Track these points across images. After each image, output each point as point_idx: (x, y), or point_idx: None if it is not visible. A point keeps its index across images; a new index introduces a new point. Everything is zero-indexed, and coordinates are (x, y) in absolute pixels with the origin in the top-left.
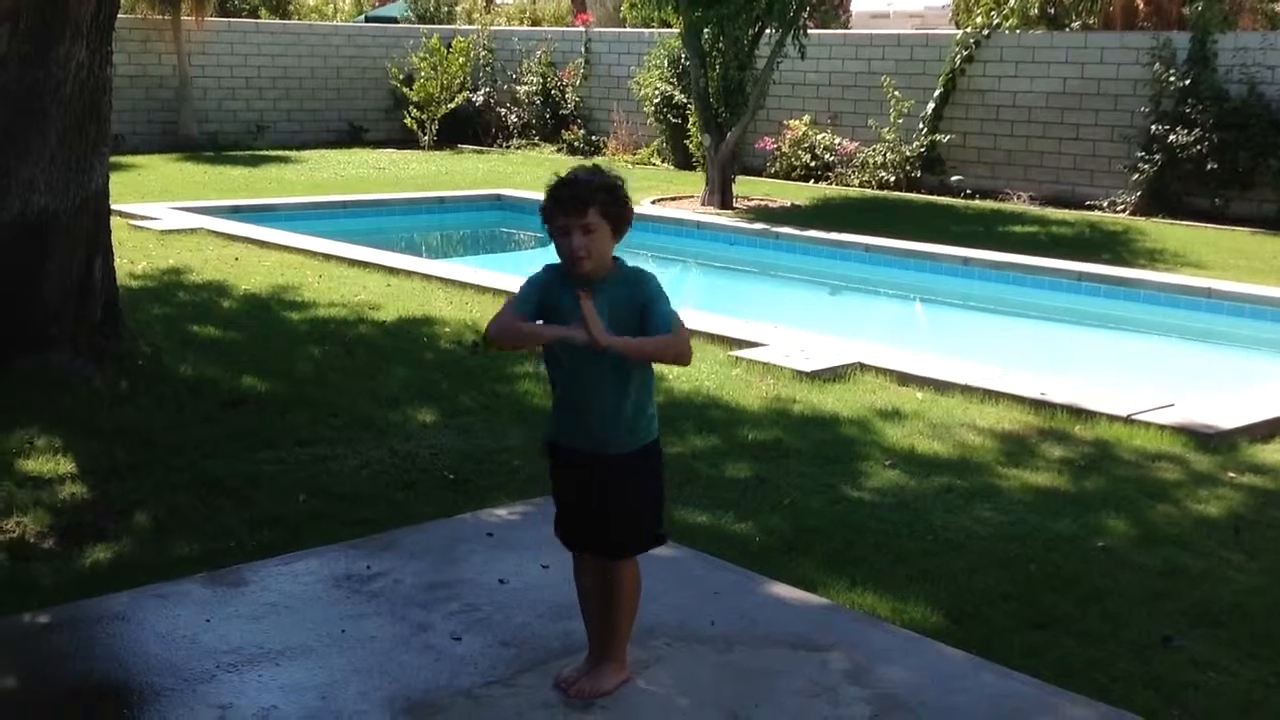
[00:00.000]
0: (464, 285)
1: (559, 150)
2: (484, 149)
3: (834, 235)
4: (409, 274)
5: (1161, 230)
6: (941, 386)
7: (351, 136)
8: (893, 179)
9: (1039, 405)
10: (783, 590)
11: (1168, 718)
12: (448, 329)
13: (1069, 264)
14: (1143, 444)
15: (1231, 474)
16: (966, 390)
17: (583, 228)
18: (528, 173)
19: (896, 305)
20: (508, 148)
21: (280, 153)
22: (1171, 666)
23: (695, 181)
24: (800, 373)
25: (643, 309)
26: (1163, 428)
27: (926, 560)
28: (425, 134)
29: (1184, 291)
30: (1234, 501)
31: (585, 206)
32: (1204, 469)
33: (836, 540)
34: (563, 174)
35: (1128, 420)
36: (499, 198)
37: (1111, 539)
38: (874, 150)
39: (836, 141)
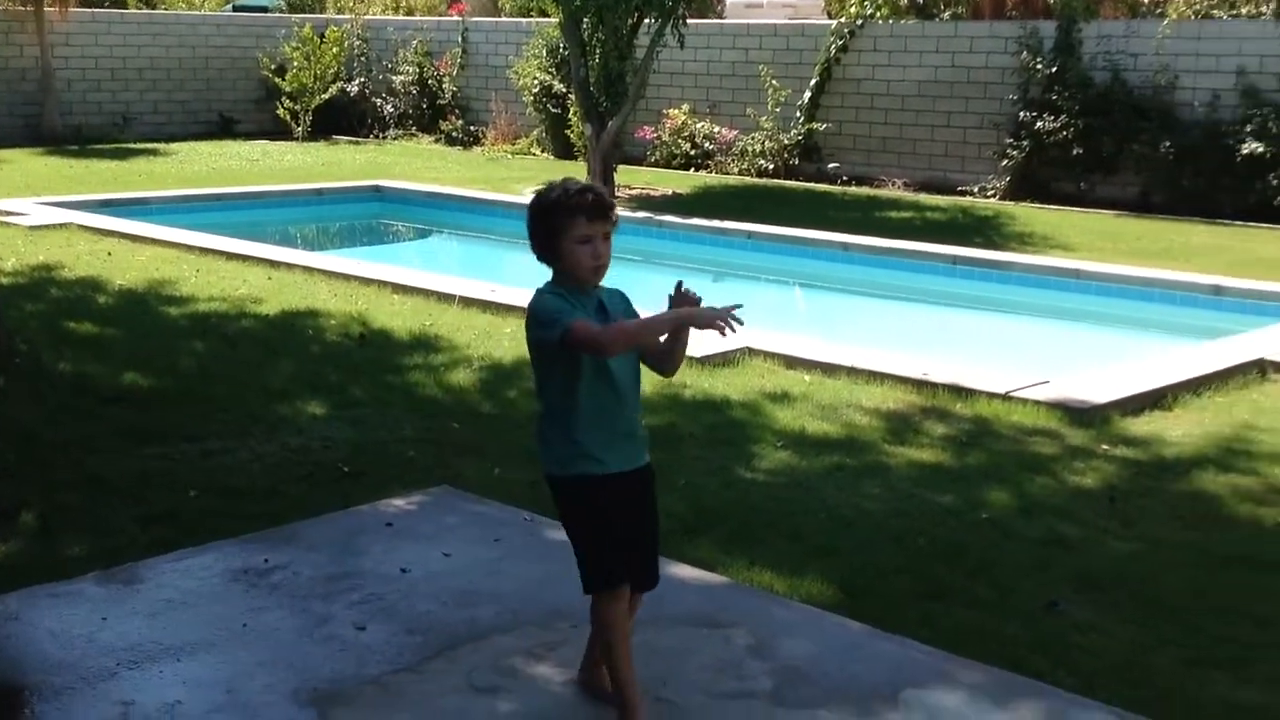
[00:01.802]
0: (348, 277)
1: (437, 141)
2: (360, 140)
3: (716, 223)
4: (290, 267)
5: (1030, 214)
6: (828, 369)
7: (222, 128)
8: (771, 167)
9: (921, 385)
10: (684, 571)
11: (1055, 679)
12: (333, 321)
13: (944, 248)
14: (1020, 420)
15: (1105, 446)
16: (852, 372)
17: (605, 235)
18: (406, 163)
19: (780, 290)
20: (384, 138)
21: (149, 145)
22: (1057, 630)
23: (577, 171)
24: (689, 358)
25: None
26: (1039, 403)
27: (820, 537)
28: (299, 125)
29: (1053, 273)
30: (1108, 472)
31: (611, 213)
32: (1079, 442)
33: (733, 521)
34: (563, 183)
35: (1006, 397)
36: (378, 189)
37: (995, 511)
38: (752, 138)
39: (715, 130)
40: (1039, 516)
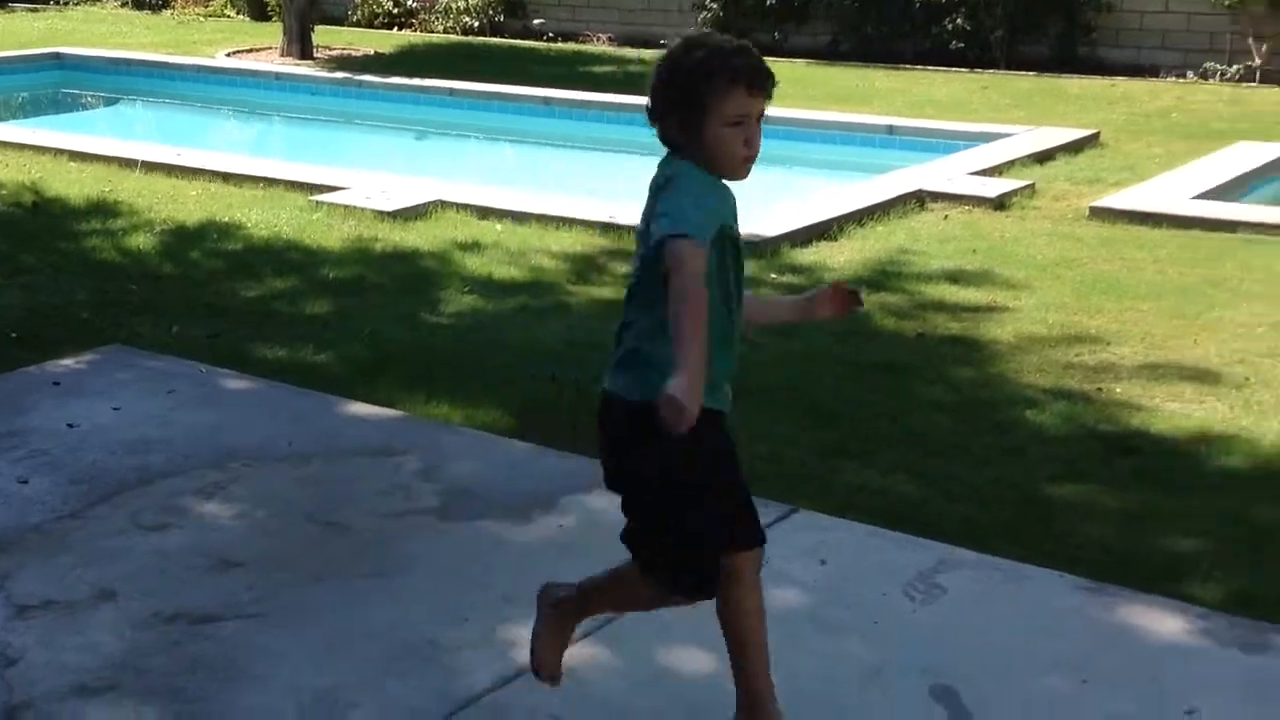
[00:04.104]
0: (20, 147)
1: (123, 5)
2: (39, 6)
3: (417, 81)
4: None
5: None
6: (519, 217)
7: None
8: (476, 24)
9: (608, 228)
10: (360, 409)
11: None
12: (4, 191)
13: (642, 99)
14: None
15: (773, 275)
16: (543, 219)
17: (759, 116)
18: (90, 29)
19: (480, 146)
20: (65, 4)
21: None
22: None
23: (273, 33)
24: (382, 213)
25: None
26: None
27: (499, 372)
28: None
29: None
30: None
31: (773, 83)
32: (750, 272)
33: (415, 362)
34: (707, 37)
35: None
36: (58, 56)
37: None
38: None
39: None
40: None
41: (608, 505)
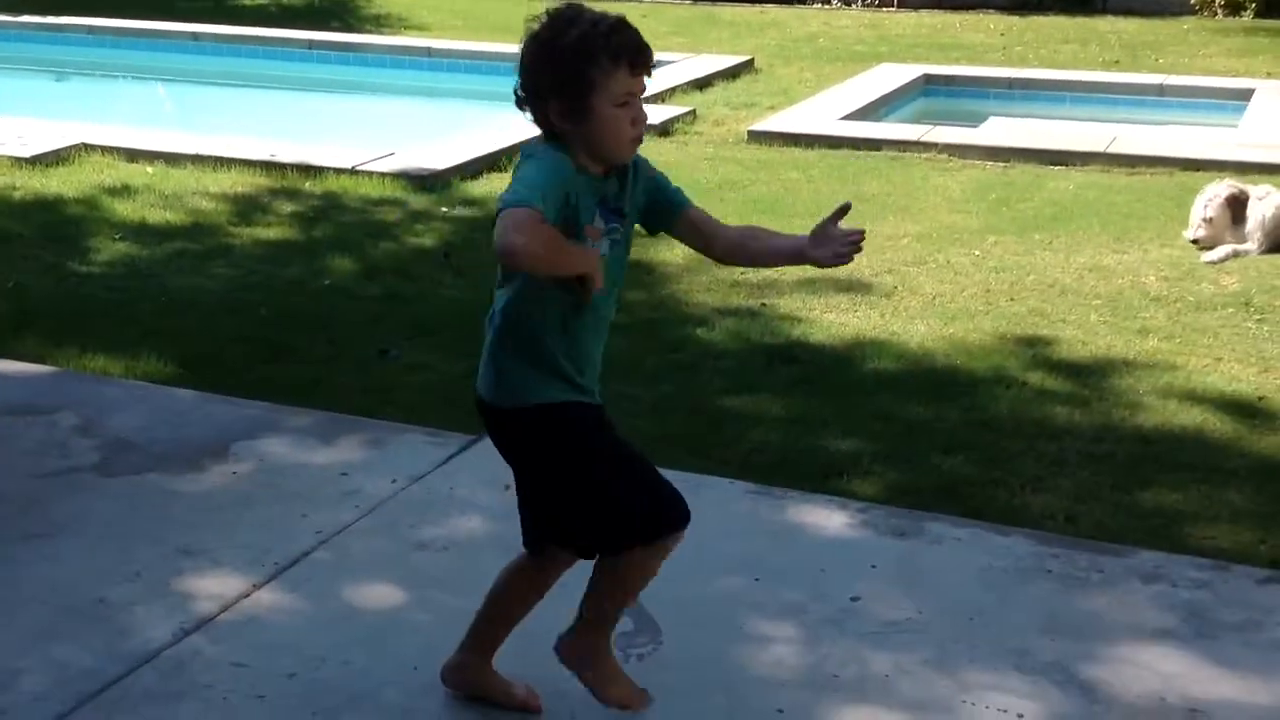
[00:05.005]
0: None
1: None
2: None
3: (52, 19)
4: None
5: None
6: (172, 159)
7: None
8: None
9: (270, 167)
10: (5, 366)
11: (382, 413)
12: None
13: (300, 33)
14: (367, 192)
15: (445, 209)
16: (198, 160)
17: (641, 93)
18: None
19: (126, 86)
20: None
21: None
22: (388, 374)
23: None
24: (19, 159)
25: (656, 187)
26: (385, 175)
27: (159, 319)
28: None
29: (406, 52)
30: (446, 231)
31: (653, 58)
32: (421, 207)
33: (65, 313)
34: (578, 12)
35: (353, 172)
36: None
37: (337, 277)
38: None
39: None
40: (379, 277)
41: (284, 447)
